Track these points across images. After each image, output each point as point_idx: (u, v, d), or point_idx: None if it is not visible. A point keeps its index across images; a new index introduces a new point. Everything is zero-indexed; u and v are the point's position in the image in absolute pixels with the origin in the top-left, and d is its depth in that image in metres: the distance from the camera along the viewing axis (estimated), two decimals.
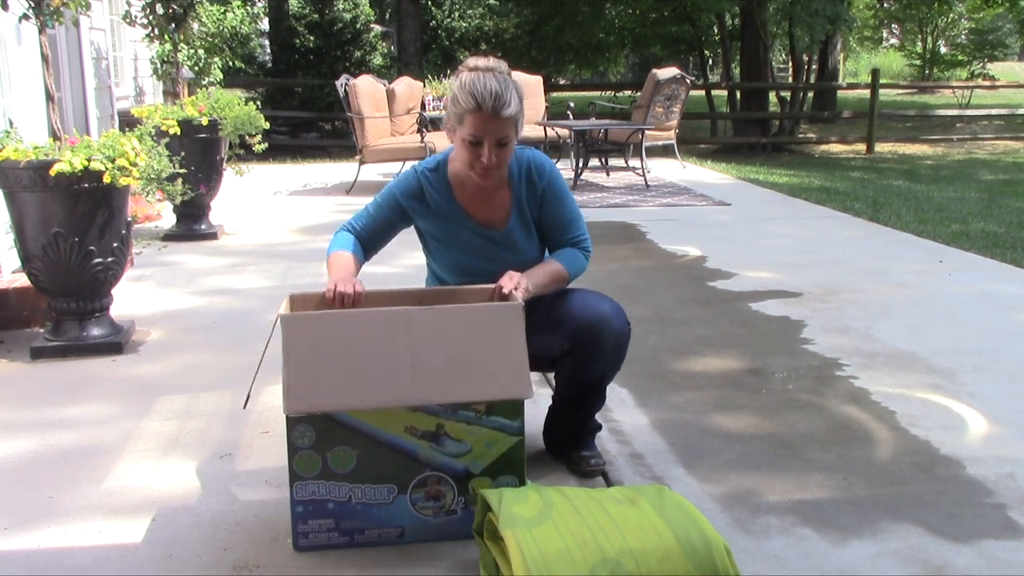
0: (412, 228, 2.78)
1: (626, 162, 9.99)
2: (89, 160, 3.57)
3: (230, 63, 11.76)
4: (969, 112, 17.33)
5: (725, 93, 15.16)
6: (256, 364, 2.45)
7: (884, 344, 3.96)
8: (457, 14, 22.33)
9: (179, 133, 5.75)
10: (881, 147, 13.68)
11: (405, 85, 9.36)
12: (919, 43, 28.55)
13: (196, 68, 9.77)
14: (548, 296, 2.64)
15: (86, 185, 3.62)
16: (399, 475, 2.26)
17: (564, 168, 9.19)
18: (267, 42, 15.55)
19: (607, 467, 2.75)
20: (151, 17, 6.84)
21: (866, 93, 13.94)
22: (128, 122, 6.97)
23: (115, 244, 3.81)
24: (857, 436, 3.01)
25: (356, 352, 2.22)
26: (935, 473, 2.74)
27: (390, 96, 9.08)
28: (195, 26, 7.40)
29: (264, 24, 15.20)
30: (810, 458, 2.84)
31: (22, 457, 2.88)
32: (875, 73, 13.65)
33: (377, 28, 16.28)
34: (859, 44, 31.36)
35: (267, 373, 2.51)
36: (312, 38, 13.81)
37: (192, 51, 9.48)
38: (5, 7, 3.83)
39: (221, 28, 11.09)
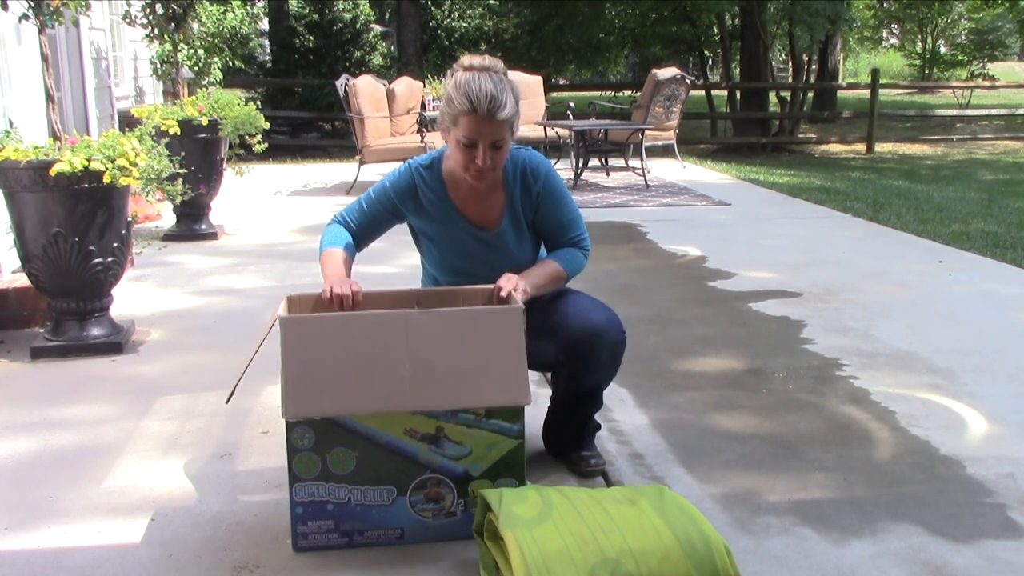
0: (406, 226, 2.76)
1: (626, 162, 9.99)
2: (89, 160, 3.56)
3: (230, 63, 11.76)
4: (969, 112, 17.34)
5: (725, 93, 15.16)
6: (259, 366, 2.45)
7: (884, 344, 3.96)
8: (457, 14, 22.32)
9: (179, 133, 5.75)
10: (881, 147, 13.68)
11: (405, 85, 9.36)
12: (919, 43, 28.55)
13: (196, 68, 9.76)
14: (544, 299, 2.63)
15: (86, 185, 3.62)
16: (399, 477, 2.26)
17: (564, 168, 9.20)
18: (267, 42, 15.55)
19: (607, 467, 2.75)
20: (151, 17, 6.84)
21: (866, 93, 13.94)
22: (128, 122, 6.97)
23: (115, 244, 3.81)
24: (857, 436, 3.01)
25: (355, 355, 2.22)
26: (935, 473, 2.74)
27: (390, 96, 9.08)
28: (195, 26, 7.40)
29: (264, 24, 15.19)
30: (810, 458, 2.84)
31: (22, 457, 2.88)
32: (875, 73, 13.65)
33: (377, 28, 16.27)
34: (859, 44, 31.35)
35: (267, 373, 2.51)
36: (312, 38, 13.81)
37: (192, 51, 9.47)
38: (5, 7, 3.83)
39: (221, 28, 11.09)
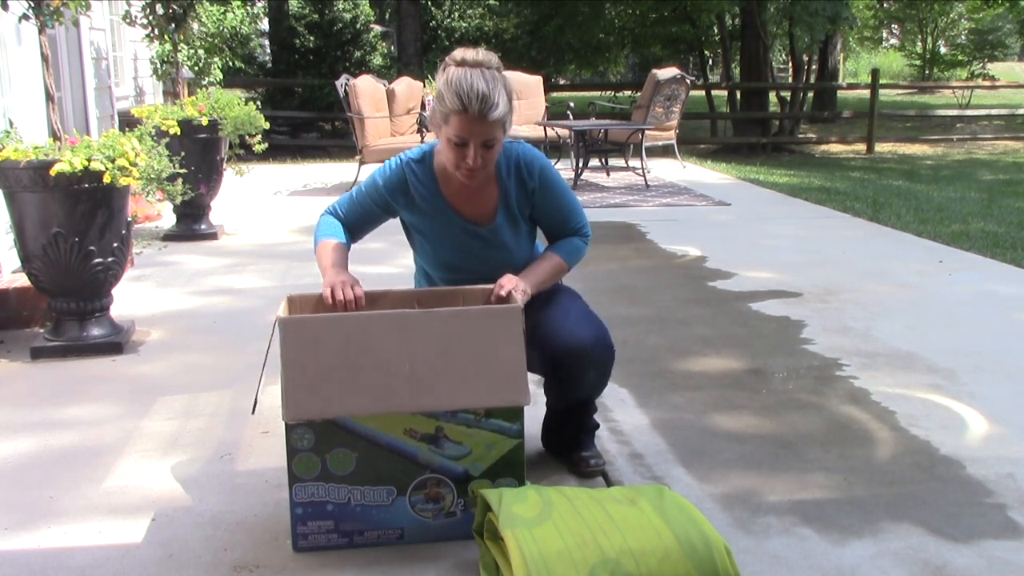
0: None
1: (626, 162, 9.99)
2: (89, 160, 3.56)
3: (230, 63, 11.76)
4: (969, 112, 17.33)
5: (725, 93, 15.16)
6: (259, 366, 2.45)
7: (884, 344, 3.96)
8: (457, 14, 22.32)
9: (179, 133, 5.75)
10: (881, 147, 13.68)
11: (405, 85, 9.36)
12: (919, 43, 28.55)
13: (196, 68, 9.76)
14: (536, 304, 2.59)
15: (86, 185, 3.62)
16: (398, 477, 2.26)
17: (564, 168, 9.20)
18: (267, 42, 15.55)
19: (607, 467, 2.75)
20: (151, 17, 6.84)
21: (866, 93, 13.94)
22: (128, 122, 6.97)
23: (115, 244, 3.81)
24: (857, 436, 3.01)
25: (354, 356, 2.22)
26: (935, 473, 2.74)
27: (390, 96, 9.09)
28: (195, 26, 7.40)
29: (264, 24, 15.19)
30: (810, 458, 2.84)
31: (22, 457, 2.88)
32: (875, 73, 13.65)
33: (377, 28, 16.27)
34: (859, 44, 31.34)
35: (267, 373, 2.51)
36: (312, 38, 13.81)
37: (192, 51, 9.47)
38: (5, 7, 3.83)
39: (221, 28, 11.09)
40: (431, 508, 2.30)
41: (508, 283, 2.47)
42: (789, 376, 3.58)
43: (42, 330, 4.02)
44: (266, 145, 6.58)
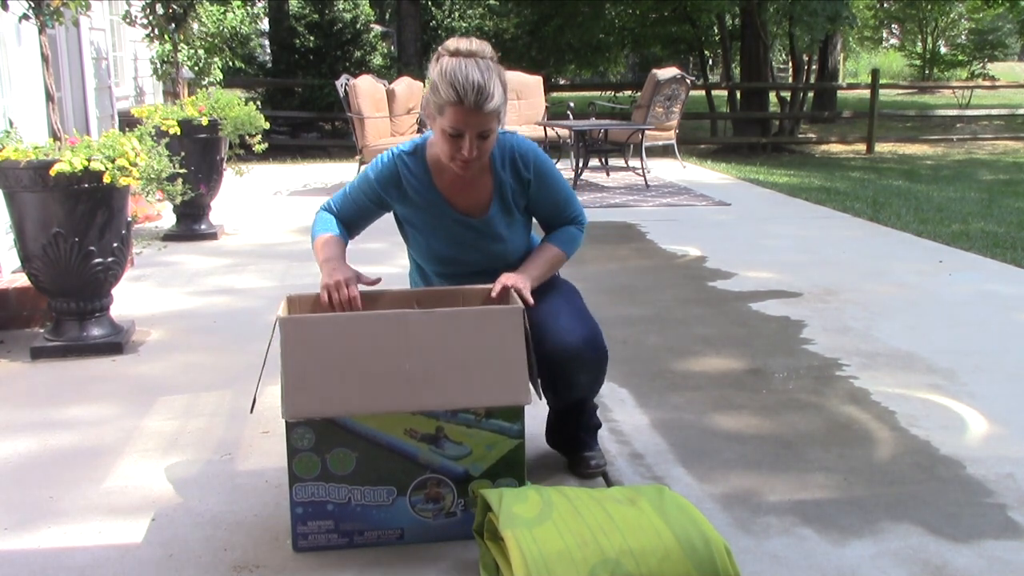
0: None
1: (626, 162, 9.99)
2: (89, 160, 3.56)
3: (230, 63, 11.76)
4: (969, 112, 17.34)
5: (725, 93, 15.17)
6: (258, 366, 2.46)
7: (884, 344, 3.96)
8: (457, 14, 22.32)
9: (179, 133, 5.75)
10: (881, 147, 13.68)
11: (405, 85, 9.36)
12: (919, 43, 28.55)
13: (196, 68, 9.77)
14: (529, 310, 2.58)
15: (86, 185, 3.62)
16: (399, 477, 2.26)
17: (564, 168, 9.19)
18: (267, 42, 15.55)
19: (607, 467, 2.75)
20: (151, 17, 6.84)
21: (866, 93, 13.94)
22: (128, 122, 6.97)
23: (115, 244, 3.81)
24: (857, 436, 3.01)
25: (355, 356, 2.22)
26: (935, 473, 2.74)
27: (390, 96, 9.09)
28: (195, 26, 7.40)
29: (264, 24, 15.19)
30: (810, 458, 2.84)
31: (22, 457, 2.87)
32: (875, 73, 13.65)
33: (377, 28, 16.27)
34: (859, 44, 31.35)
35: (267, 373, 2.51)
36: (312, 38, 13.81)
37: (192, 51, 9.47)
38: (5, 7, 3.83)
39: (221, 28, 11.08)
40: (431, 508, 2.30)
41: (507, 280, 2.47)
42: (789, 376, 3.58)
43: (42, 330, 4.02)
44: (266, 145, 6.58)
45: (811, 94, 16.72)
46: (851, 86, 17.91)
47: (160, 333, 4.17)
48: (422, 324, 2.25)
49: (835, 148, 14.03)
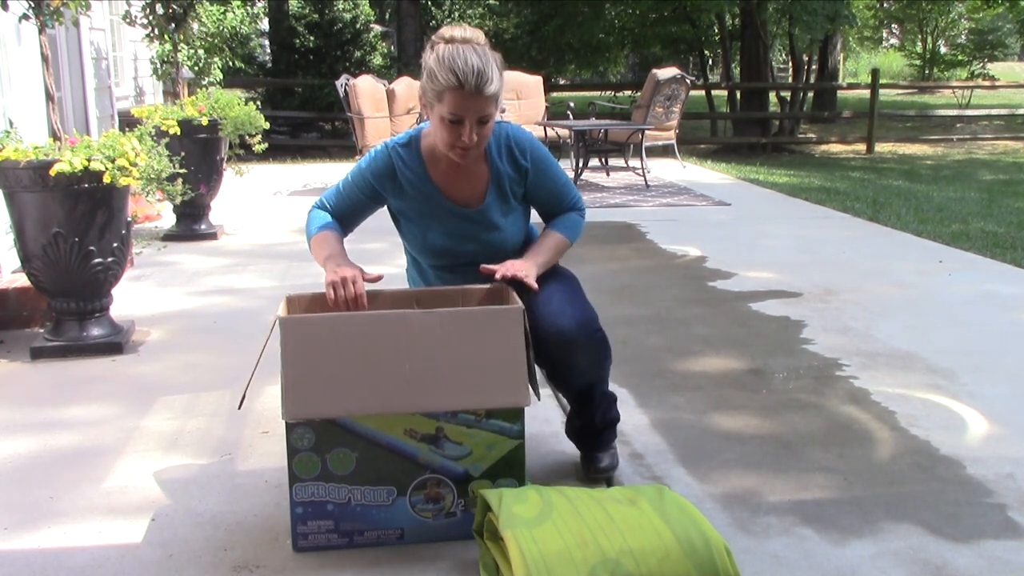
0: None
1: (626, 162, 9.99)
2: (89, 160, 3.56)
3: (230, 63, 11.77)
4: (969, 112, 17.35)
5: (725, 93, 15.17)
6: (253, 366, 2.45)
7: (884, 344, 3.96)
8: (457, 14, 22.34)
9: (179, 133, 5.75)
10: (881, 147, 13.68)
11: (405, 85, 9.36)
12: (919, 43, 28.55)
13: (196, 68, 9.77)
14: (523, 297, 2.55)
15: (86, 185, 3.62)
16: (398, 477, 2.26)
17: (564, 168, 9.19)
18: (267, 42, 15.55)
19: (614, 472, 2.71)
20: (151, 17, 6.84)
21: (866, 93, 13.94)
22: (128, 122, 6.97)
23: (115, 244, 3.81)
24: (857, 436, 3.01)
25: (354, 356, 2.22)
26: (935, 473, 2.74)
27: (390, 96, 9.09)
28: (195, 26, 7.40)
29: (264, 24, 15.20)
30: (810, 458, 2.84)
31: (22, 457, 2.87)
32: (875, 73, 13.65)
33: (377, 28, 16.28)
34: (859, 44, 31.35)
35: (267, 373, 2.51)
36: (312, 38, 13.81)
37: (192, 51, 9.48)
38: (5, 7, 3.83)
39: (221, 28, 11.09)
40: (431, 508, 2.30)
41: (511, 267, 2.44)
42: (789, 376, 3.58)
43: (42, 330, 4.02)
44: (266, 145, 6.58)
45: (811, 94, 16.73)
46: (851, 86, 17.92)
47: (160, 333, 4.17)
48: (422, 324, 2.25)
49: (835, 148, 14.03)
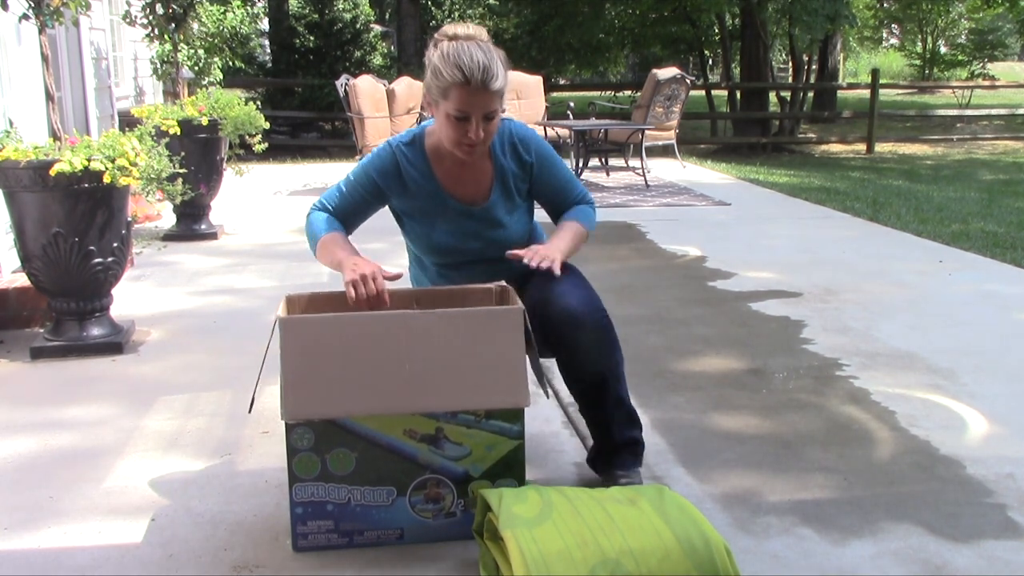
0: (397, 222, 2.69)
1: (626, 162, 10.00)
2: (89, 160, 3.56)
3: (230, 63, 11.76)
4: (969, 112, 17.35)
5: (725, 93, 15.17)
6: (258, 366, 2.45)
7: (884, 344, 3.96)
8: (457, 14, 22.34)
9: (179, 133, 5.75)
10: (881, 147, 13.69)
11: (405, 85, 9.36)
12: (919, 43, 28.56)
13: (196, 68, 9.77)
14: (530, 280, 2.53)
15: (86, 185, 3.62)
16: (398, 477, 2.26)
17: None
18: (267, 42, 15.56)
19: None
20: (151, 17, 6.85)
21: (866, 93, 13.94)
22: (128, 122, 6.97)
23: (115, 244, 3.81)
24: (857, 436, 3.01)
25: (354, 356, 2.22)
26: (935, 473, 2.74)
27: (390, 96, 9.09)
28: (195, 26, 7.41)
29: (264, 24, 15.20)
30: (810, 458, 2.84)
31: (22, 457, 2.87)
32: (875, 73, 13.65)
33: (377, 28, 16.28)
34: (859, 44, 31.36)
35: (267, 373, 2.51)
36: (312, 38, 13.82)
37: (192, 51, 9.48)
38: (5, 7, 3.83)
39: (221, 28, 11.09)
40: (431, 508, 2.29)
41: (540, 253, 2.39)
42: (789, 376, 3.58)
43: (42, 330, 4.02)
44: (266, 145, 6.58)
45: (811, 94, 16.73)
46: (851, 86, 17.93)
47: (160, 333, 4.17)
48: (422, 324, 2.25)
49: (835, 148, 14.03)
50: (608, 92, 17.49)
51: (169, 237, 6.31)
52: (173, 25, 6.83)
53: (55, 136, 3.94)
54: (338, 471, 2.24)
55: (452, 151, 2.44)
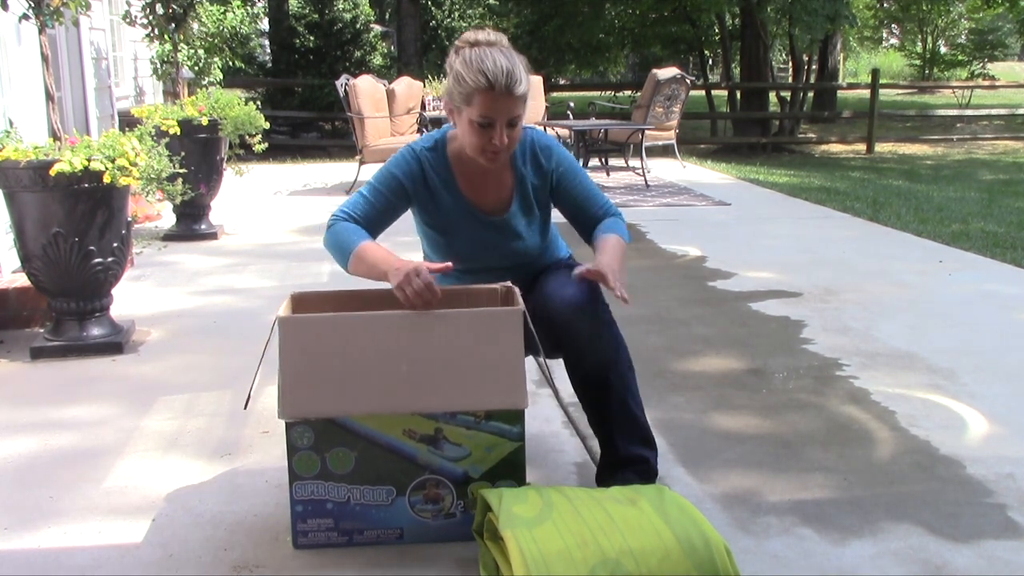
0: (404, 226, 2.68)
1: (626, 162, 10.00)
2: (89, 160, 3.57)
3: (230, 63, 11.77)
4: (969, 112, 17.35)
5: (725, 93, 15.17)
6: (256, 365, 2.45)
7: (884, 344, 3.96)
8: (457, 14, 22.34)
9: (179, 133, 5.75)
10: (881, 147, 13.69)
11: (405, 85, 9.36)
12: (919, 43, 28.56)
13: (196, 68, 9.77)
14: (531, 280, 2.54)
15: (86, 185, 3.62)
16: (398, 477, 2.26)
17: None
18: (267, 42, 15.56)
19: None
20: (151, 17, 6.85)
21: (866, 93, 13.94)
22: (128, 122, 6.97)
23: (115, 244, 3.81)
24: (857, 436, 3.01)
25: (353, 356, 2.22)
26: (935, 473, 2.74)
27: (390, 96, 9.09)
28: (195, 26, 7.41)
29: (264, 24, 15.20)
30: (810, 458, 2.84)
31: (22, 457, 2.87)
32: (875, 73, 13.65)
33: (377, 28, 16.29)
34: (859, 44, 31.36)
35: (266, 373, 2.51)
36: (312, 38, 13.82)
37: (192, 51, 9.48)
38: (5, 7, 3.83)
39: (221, 28, 11.09)
40: (431, 509, 2.29)
41: (607, 274, 2.30)
42: (789, 376, 3.58)
43: (42, 330, 4.02)
44: (266, 145, 6.58)
45: (811, 94, 16.74)
46: (851, 86, 17.93)
47: (160, 333, 4.17)
48: (422, 324, 2.25)
49: (835, 148, 14.03)
50: (608, 92, 17.50)
51: (169, 237, 6.31)
52: (173, 25, 6.83)
53: (55, 136, 3.94)
54: (338, 470, 2.24)
55: (475, 158, 2.41)
